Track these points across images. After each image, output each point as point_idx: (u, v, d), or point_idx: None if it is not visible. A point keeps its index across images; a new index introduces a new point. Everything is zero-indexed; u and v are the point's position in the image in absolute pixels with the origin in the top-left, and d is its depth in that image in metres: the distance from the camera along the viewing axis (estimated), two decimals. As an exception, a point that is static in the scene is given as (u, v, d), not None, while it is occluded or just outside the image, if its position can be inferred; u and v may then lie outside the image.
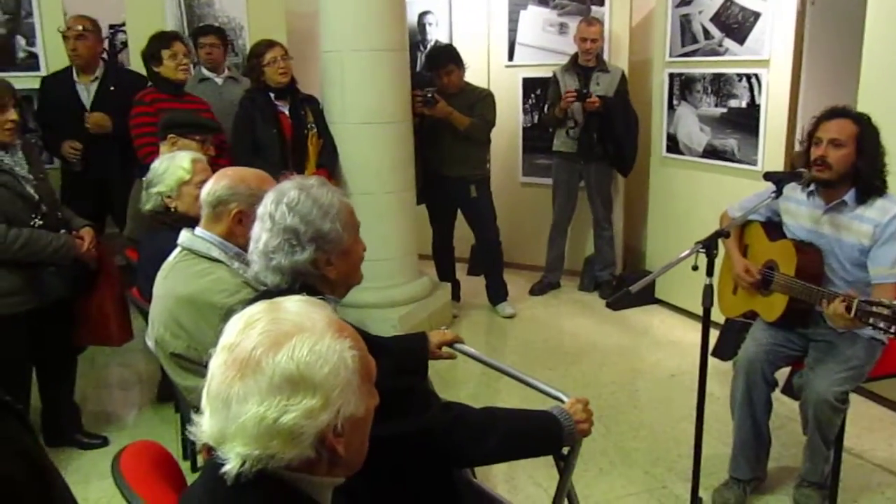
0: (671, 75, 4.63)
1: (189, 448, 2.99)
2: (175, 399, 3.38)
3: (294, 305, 1.01)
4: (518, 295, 5.08)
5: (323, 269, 1.67)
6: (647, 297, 4.86)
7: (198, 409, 2.11)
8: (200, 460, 2.95)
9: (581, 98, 4.60)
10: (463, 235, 5.01)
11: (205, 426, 0.96)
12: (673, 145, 4.69)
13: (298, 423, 0.91)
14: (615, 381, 3.91)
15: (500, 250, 4.85)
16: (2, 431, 0.51)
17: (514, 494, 2.87)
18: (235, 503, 0.94)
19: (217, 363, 0.97)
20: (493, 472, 2.97)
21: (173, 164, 2.65)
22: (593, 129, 4.75)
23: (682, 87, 4.57)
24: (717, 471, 2.88)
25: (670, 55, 4.61)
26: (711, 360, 2.49)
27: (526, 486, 2.92)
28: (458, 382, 3.82)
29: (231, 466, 0.92)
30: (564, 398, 1.81)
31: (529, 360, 4.14)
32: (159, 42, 3.88)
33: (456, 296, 4.92)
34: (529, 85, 5.37)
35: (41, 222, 2.79)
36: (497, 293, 4.87)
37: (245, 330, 0.96)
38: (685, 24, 4.48)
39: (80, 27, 4.08)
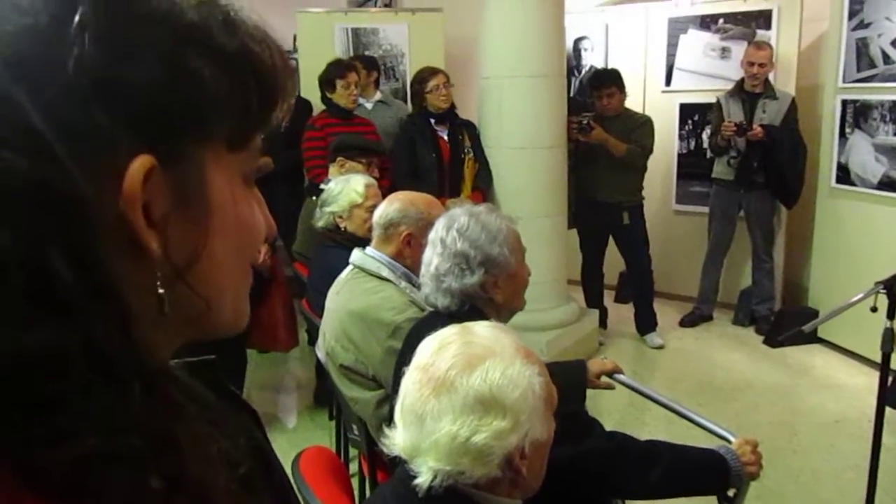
0: (844, 102, 4.37)
1: (344, 456, 3.13)
2: (330, 406, 3.55)
3: (484, 330, 1.06)
4: (667, 325, 4.94)
5: (490, 291, 1.74)
6: (810, 335, 4.58)
7: (360, 420, 2.23)
8: (353, 468, 3.08)
9: (741, 133, 4.45)
10: (611, 261, 4.94)
11: (398, 439, 1.02)
12: (844, 175, 4.42)
13: (489, 444, 0.96)
14: (772, 422, 3.71)
15: (651, 278, 4.75)
16: (239, 425, 0.58)
17: (663, 532, 2.79)
18: (426, 514, 0.99)
19: (411, 381, 1.03)
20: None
21: (348, 187, 2.82)
22: (755, 158, 4.57)
23: (857, 114, 4.31)
24: (888, 527, 2.68)
25: (844, 81, 4.36)
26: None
27: (675, 525, 2.84)
28: (603, 412, 3.76)
29: (423, 479, 0.97)
30: (731, 438, 1.76)
31: (678, 395, 4.00)
32: (336, 70, 4.13)
33: (603, 323, 4.86)
34: (687, 111, 5.24)
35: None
36: (646, 322, 4.76)
37: (439, 351, 1.02)
38: (861, 47, 4.23)
39: None
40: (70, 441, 0.38)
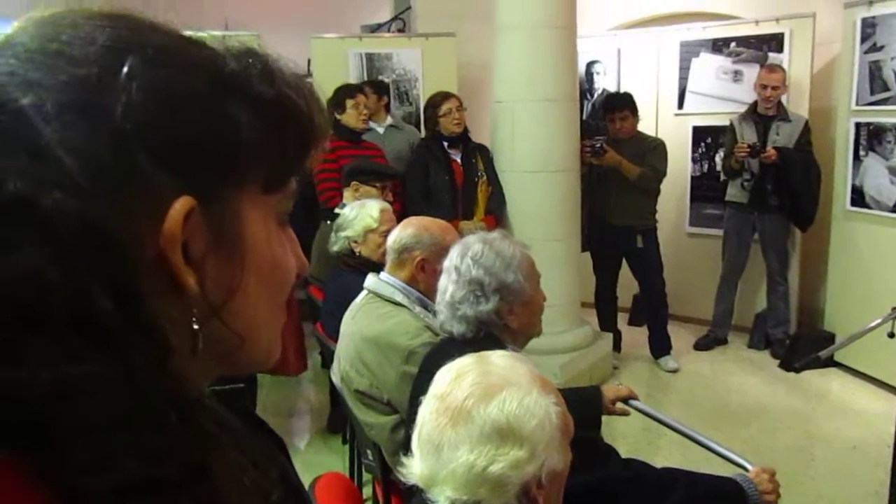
0: (857, 124, 4.37)
1: (357, 480, 3.12)
2: (344, 431, 3.55)
3: (501, 359, 1.06)
4: (682, 349, 4.91)
5: (506, 318, 1.75)
6: (826, 359, 4.53)
7: (375, 444, 2.23)
8: (367, 492, 3.07)
9: (754, 154, 4.45)
10: (624, 284, 4.93)
11: (415, 468, 1.02)
12: (858, 198, 4.40)
13: (505, 473, 0.96)
14: (788, 448, 3.67)
15: (665, 301, 4.73)
16: (264, 449, 0.58)
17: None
18: (444, 545, 0.99)
19: (428, 410, 1.04)
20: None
21: (363, 212, 2.84)
22: (769, 181, 4.56)
23: (871, 136, 4.30)
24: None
25: (857, 103, 4.36)
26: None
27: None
28: (618, 437, 3.73)
29: (440, 509, 0.98)
30: (748, 466, 1.75)
31: (693, 419, 3.97)
32: (346, 92, 4.17)
33: (617, 346, 4.83)
34: (699, 133, 5.25)
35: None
36: (660, 346, 4.74)
37: (456, 380, 1.03)
38: (875, 70, 4.24)
39: None
40: (110, 468, 0.40)
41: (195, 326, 0.49)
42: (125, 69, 0.45)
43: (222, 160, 0.48)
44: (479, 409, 0.98)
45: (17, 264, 0.39)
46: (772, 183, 4.55)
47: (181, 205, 0.45)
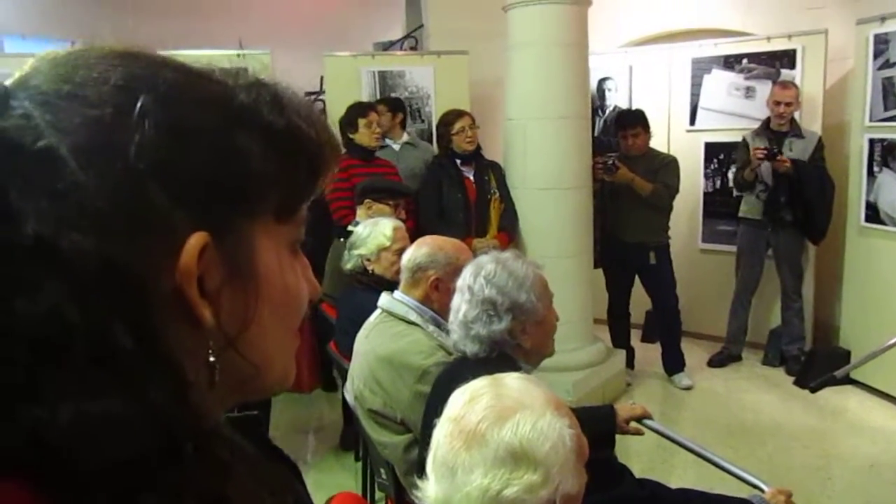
0: (871, 140, 4.35)
1: (370, 498, 3.11)
2: (356, 448, 3.54)
3: (515, 382, 1.07)
4: (696, 366, 4.88)
5: (519, 337, 1.75)
6: (842, 376, 4.49)
7: (388, 463, 2.23)
8: (381, 511, 3.06)
9: (771, 157, 4.42)
10: (637, 300, 4.91)
11: (430, 491, 1.03)
12: (873, 214, 4.38)
13: (520, 497, 0.96)
14: (805, 466, 3.64)
15: (678, 318, 4.71)
16: (280, 477, 0.59)
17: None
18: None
19: (442, 433, 1.04)
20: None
21: (376, 230, 2.86)
22: (782, 193, 4.54)
23: (885, 152, 4.28)
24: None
25: (870, 119, 4.34)
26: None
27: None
28: (632, 455, 3.71)
29: (455, 532, 0.98)
30: (764, 487, 1.74)
31: (708, 438, 3.94)
32: (357, 111, 4.20)
33: (630, 363, 4.81)
34: (712, 150, 5.24)
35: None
36: (674, 363, 4.71)
37: (470, 403, 1.03)
38: (888, 86, 4.22)
39: None
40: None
41: (212, 359, 0.49)
42: (138, 108, 0.45)
43: (235, 192, 0.49)
44: (493, 433, 0.98)
45: (37, 303, 0.40)
46: (785, 196, 4.53)
47: (196, 240, 0.46)
